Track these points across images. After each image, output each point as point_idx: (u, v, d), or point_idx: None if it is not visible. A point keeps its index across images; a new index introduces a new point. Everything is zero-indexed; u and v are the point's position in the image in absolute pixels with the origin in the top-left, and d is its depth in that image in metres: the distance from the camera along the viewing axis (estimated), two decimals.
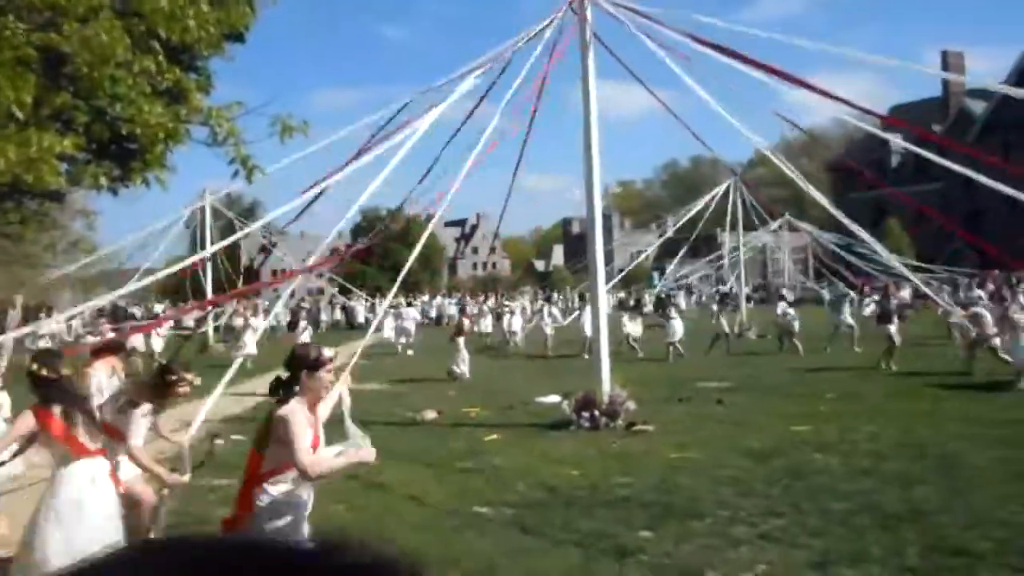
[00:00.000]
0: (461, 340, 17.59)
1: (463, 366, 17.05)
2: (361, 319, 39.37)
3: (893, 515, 6.25)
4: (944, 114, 60.58)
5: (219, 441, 10.58)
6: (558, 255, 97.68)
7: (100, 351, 7.26)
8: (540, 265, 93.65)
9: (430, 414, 12.19)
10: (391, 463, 8.95)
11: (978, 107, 58.49)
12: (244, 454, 10.19)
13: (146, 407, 5.39)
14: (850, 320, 19.73)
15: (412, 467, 8.68)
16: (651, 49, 10.96)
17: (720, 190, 29.57)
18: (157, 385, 5.61)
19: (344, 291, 44.45)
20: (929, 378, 14.02)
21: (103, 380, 6.62)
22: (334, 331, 37.30)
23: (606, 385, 10.76)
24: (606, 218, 13.63)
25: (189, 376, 5.89)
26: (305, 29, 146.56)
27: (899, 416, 10.61)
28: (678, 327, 19.31)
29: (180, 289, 33.13)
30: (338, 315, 40.90)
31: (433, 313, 41.64)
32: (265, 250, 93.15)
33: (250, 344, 18.20)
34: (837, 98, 10.98)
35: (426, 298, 45.98)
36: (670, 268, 38.18)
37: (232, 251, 33.37)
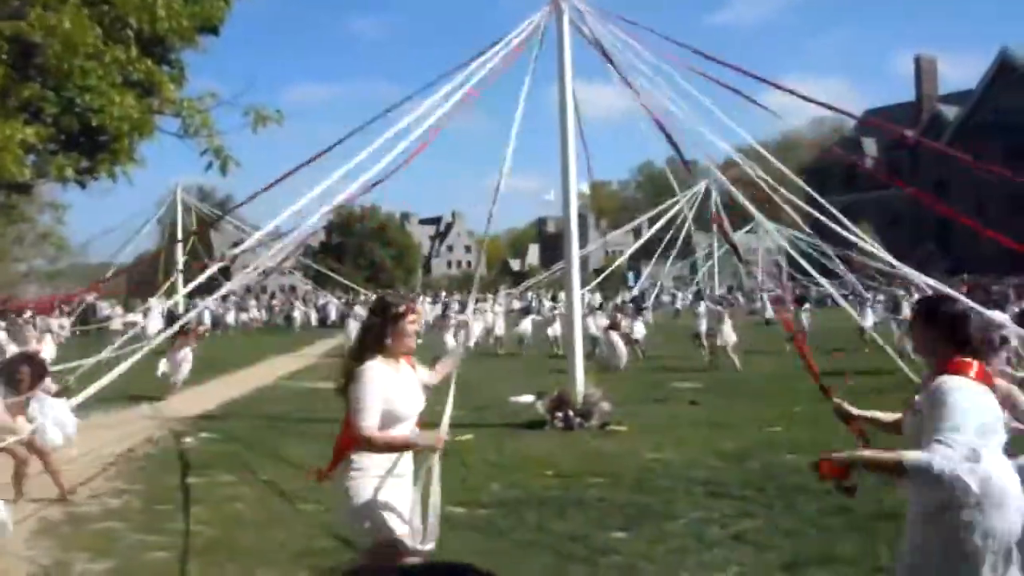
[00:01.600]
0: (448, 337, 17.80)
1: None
2: (334, 317, 39.09)
3: (865, 516, 6.28)
4: (917, 118, 61.33)
5: (187, 439, 10.46)
6: (533, 254, 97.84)
7: None
8: (515, 264, 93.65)
9: None
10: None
11: (951, 112, 59.29)
12: (215, 453, 10.12)
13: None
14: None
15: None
16: (625, 49, 10.93)
17: (697, 190, 29.77)
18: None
19: (316, 289, 44.16)
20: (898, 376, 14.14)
21: None
22: (305, 330, 37.00)
23: (580, 385, 10.75)
24: (581, 218, 13.68)
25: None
26: (278, 22, 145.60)
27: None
28: (639, 328, 19.68)
29: (149, 286, 32.70)
30: (312, 314, 40.54)
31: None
32: (236, 246, 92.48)
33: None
34: (815, 100, 11.09)
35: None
36: (647, 269, 38.33)
37: (204, 248, 32.98)
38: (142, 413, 12.52)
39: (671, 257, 33.79)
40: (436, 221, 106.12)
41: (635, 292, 39.33)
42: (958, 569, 2.93)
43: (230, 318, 37.77)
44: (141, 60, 5.83)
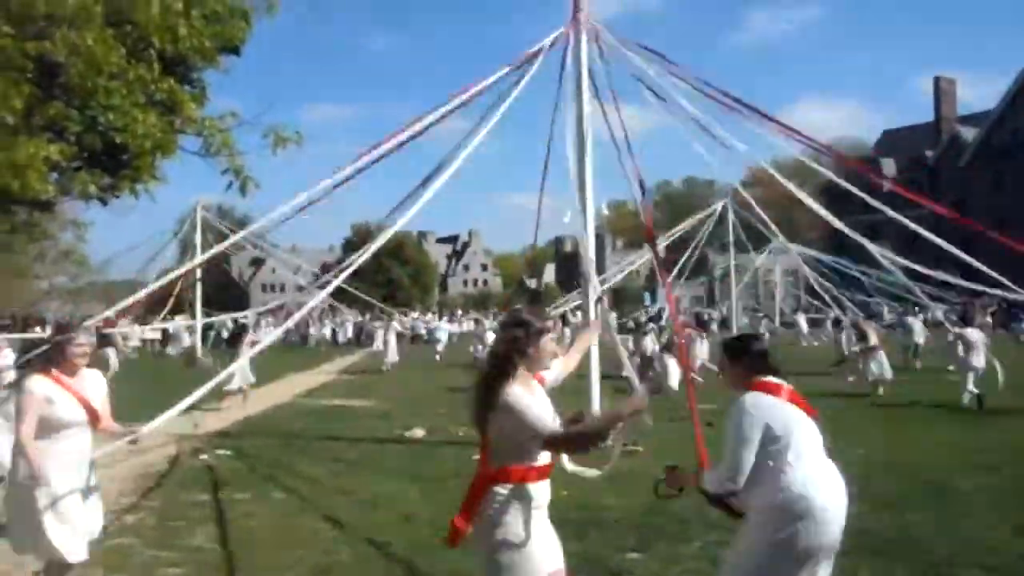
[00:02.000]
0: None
1: None
2: (350, 335, 39.19)
3: (883, 540, 6.21)
4: (936, 140, 61.04)
5: (203, 456, 10.49)
6: (550, 273, 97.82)
7: None
8: (532, 283, 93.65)
9: (418, 432, 12.11)
10: (379, 480, 8.87)
11: (970, 133, 58.94)
12: (231, 470, 10.13)
13: None
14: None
15: (400, 484, 8.60)
16: (643, 69, 10.98)
17: (715, 209, 29.69)
18: None
19: (333, 308, 44.24)
20: (918, 403, 14.03)
21: None
22: (321, 347, 37.11)
23: (596, 405, 10.69)
24: (598, 238, 13.66)
25: None
26: (295, 43, 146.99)
27: (888, 441, 10.59)
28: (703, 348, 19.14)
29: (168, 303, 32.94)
30: (327, 332, 40.65)
31: (423, 330, 41.35)
32: (256, 263, 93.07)
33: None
34: (800, 136, 11.14)
35: (416, 315, 45.67)
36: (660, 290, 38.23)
37: (222, 266, 33.23)
38: (158, 430, 12.56)
39: (683, 277, 33.60)
40: (453, 240, 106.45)
41: (652, 311, 39.20)
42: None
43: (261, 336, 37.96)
44: (163, 79, 5.92)
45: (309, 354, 32.68)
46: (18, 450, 4.56)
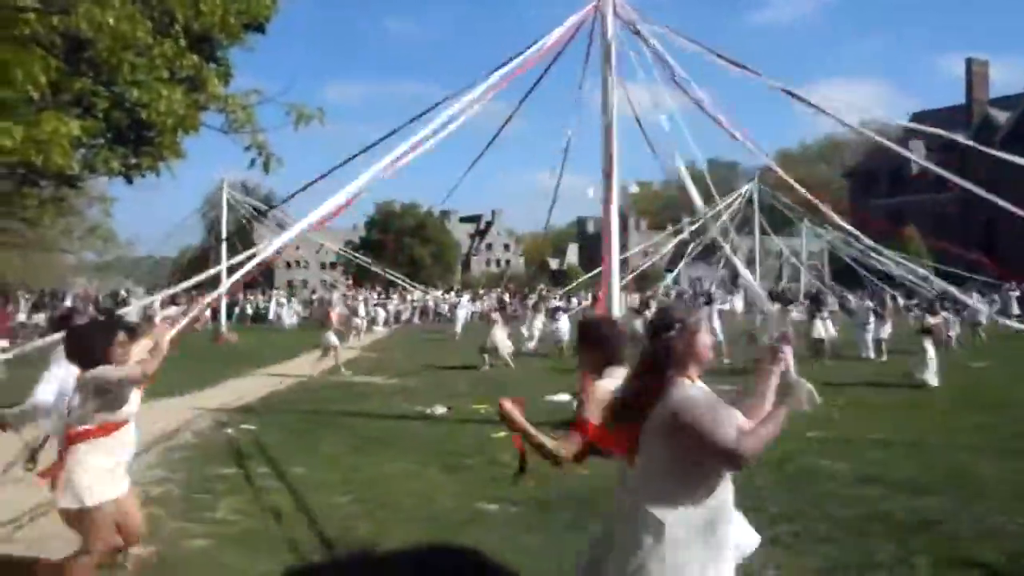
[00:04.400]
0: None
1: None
2: (362, 313, 39.33)
3: (902, 524, 6.19)
4: (967, 122, 60.00)
5: (228, 431, 10.64)
6: (572, 254, 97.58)
7: None
8: (554, 263, 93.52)
9: (440, 409, 12.20)
10: (398, 457, 8.95)
11: (1002, 116, 57.90)
12: (254, 444, 10.24)
13: None
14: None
15: (419, 462, 8.68)
16: (670, 53, 10.89)
17: (737, 196, 29.48)
18: None
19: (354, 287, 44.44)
20: (939, 388, 13.91)
21: None
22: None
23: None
24: (622, 218, 13.51)
25: None
26: (316, 22, 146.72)
27: (908, 424, 10.53)
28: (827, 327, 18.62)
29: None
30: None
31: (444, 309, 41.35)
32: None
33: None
34: (828, 113, 11.01)
35: (439, 292, 45.69)
36: (679, 268, 38.03)
37: (247, 242, 33.47)
38: (184, 404, 12.75)
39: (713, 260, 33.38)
40: (476, 219, 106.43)
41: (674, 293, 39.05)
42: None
43: (283, 313, 38.46)
44: (188, 55, 5.94)
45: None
46: None
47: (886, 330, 19.48)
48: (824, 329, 18.35)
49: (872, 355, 18.87)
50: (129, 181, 9.55)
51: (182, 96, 6.11)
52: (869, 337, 19.23)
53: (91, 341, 4.61)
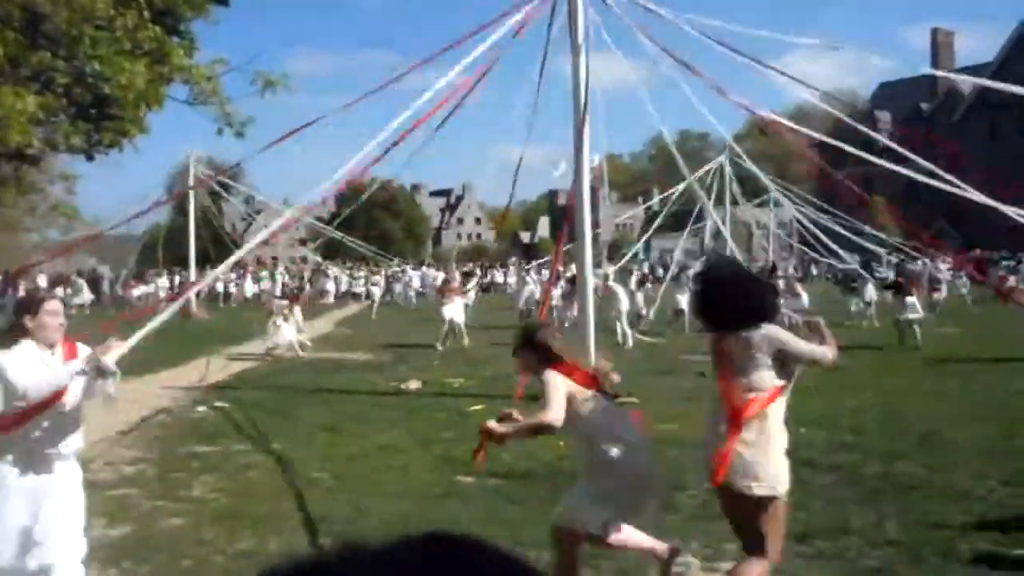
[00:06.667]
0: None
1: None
2: (344, 289, 39.10)
3: (874, 489, 6.30)
4: (932, 92, 60.58)
5: (201, 408, 10.54)
6: (544, 227, 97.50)
7: None
8: (525, 237, 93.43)
9: (413, 384, 12.18)
10: (375, 433, 8.93)
11: (966, 86, 58.45)
12: (229, 421, 10.16)
13: None
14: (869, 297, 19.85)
15: (395, 437, 8.67)
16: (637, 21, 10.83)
17: (713, 165, 29.58)
18: None
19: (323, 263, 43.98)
20: (911, 354, 14.15)
21: None
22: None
23: (591, 357, 10.74)
24: (592, 191, 13.41)
25: None
26: None
27: (882, 392, 10.69)
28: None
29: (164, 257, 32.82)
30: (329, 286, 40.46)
31: (417, 283, 41.12)
32: (248, 217, 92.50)
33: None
34: (802, 82, 11.08)
35: (410, 267, 45.38)
36: (651, 242, 38.26)
37: (216, 220, 32.98)
38: (157, 382, 12.60)
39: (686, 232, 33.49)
40: (447, 193, 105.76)
41: (646, 266, 39.29)
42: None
43: (245, 289, 38.17)
44: (150, 27, 5.79)
45: (304, 309, 32.65)
46: None
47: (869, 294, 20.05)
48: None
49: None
50: (90, 158, 9.34)
51: (144, 69, 5.97)
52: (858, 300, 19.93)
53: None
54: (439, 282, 28.13)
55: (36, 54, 6.84)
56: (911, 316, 15.56)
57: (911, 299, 15.85)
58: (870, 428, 8.52)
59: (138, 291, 34.49)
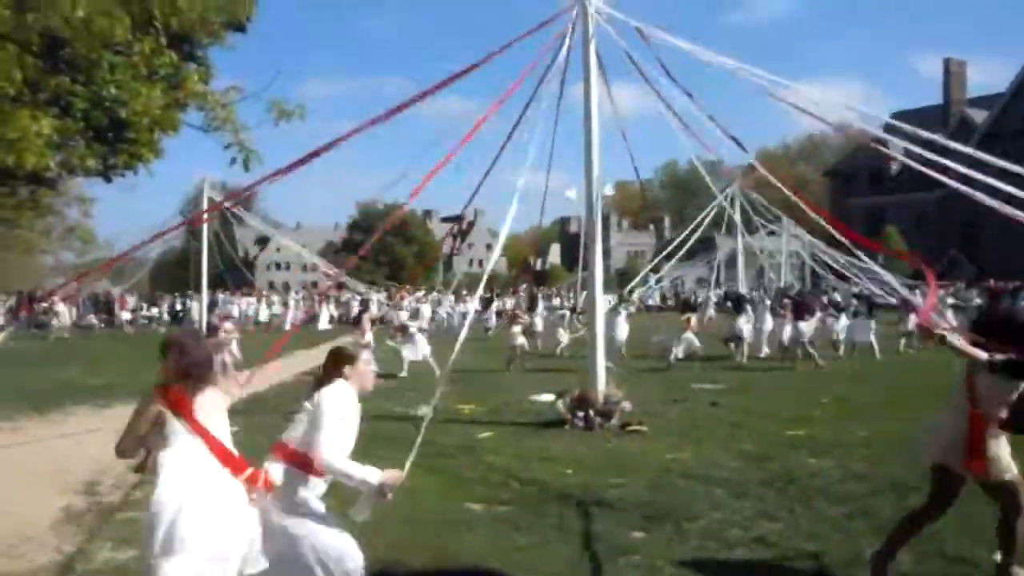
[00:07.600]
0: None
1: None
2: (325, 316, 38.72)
3: (888, 520, 6.21)
4: (945, 122, 60.59)
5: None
6: (555, 254, 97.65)
7: None
8: (537, 264, 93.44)
9: (423, 410, 12.13)
10: (382, 458, 8.88)
11: (979, 116, 58.50)
12: (238, 444, 10.19)
13: None
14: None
15: (404, 462, 8.60)
16: (651, 52, 10.90)
17: (725, 195, 29.67)
18: None
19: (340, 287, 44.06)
20: (923, 385, 14.02)
21: None
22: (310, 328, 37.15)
23: (601, 384, 10.70)
24: (604, 218, 13.39)
25: None
26: (293, 20, 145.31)
27: (892, 422, 10.59)
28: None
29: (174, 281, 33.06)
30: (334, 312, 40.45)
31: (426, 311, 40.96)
32: (262, 242, 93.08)
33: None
34: (809, 113, 11.05)
35: (421, 293, 45.41)
36: (663, 270, 38.18)
37: (228, 242, 33.21)
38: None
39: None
40: (458, 219, 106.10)
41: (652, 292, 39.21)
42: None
43: (262, 315, 38.38)
44: (166, 53, 5.87)
45: (315, 334, 32.70)
46: None
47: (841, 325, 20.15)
48: (745, 329, 19.38)
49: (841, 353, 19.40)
50: (108, 180, 9.45)
51: (160, 94, 6.04)
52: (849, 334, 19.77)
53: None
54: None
55: (55, 78, 6.93)
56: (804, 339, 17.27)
57: (803, 323, 17.48)
58: (882, 458, 8.43)
59: (127, 313, 35.00)
